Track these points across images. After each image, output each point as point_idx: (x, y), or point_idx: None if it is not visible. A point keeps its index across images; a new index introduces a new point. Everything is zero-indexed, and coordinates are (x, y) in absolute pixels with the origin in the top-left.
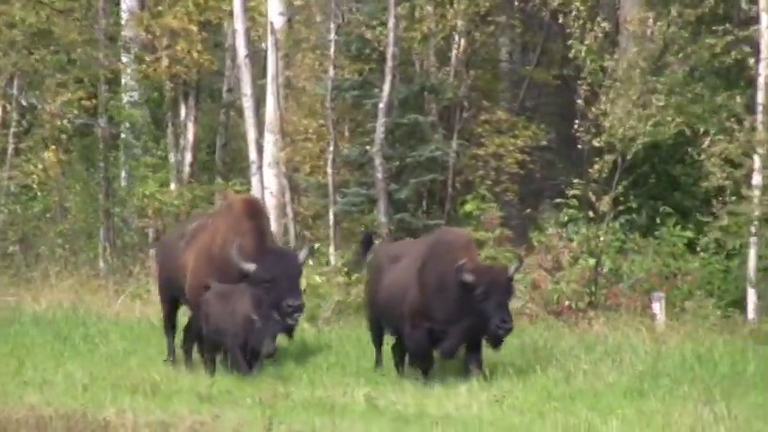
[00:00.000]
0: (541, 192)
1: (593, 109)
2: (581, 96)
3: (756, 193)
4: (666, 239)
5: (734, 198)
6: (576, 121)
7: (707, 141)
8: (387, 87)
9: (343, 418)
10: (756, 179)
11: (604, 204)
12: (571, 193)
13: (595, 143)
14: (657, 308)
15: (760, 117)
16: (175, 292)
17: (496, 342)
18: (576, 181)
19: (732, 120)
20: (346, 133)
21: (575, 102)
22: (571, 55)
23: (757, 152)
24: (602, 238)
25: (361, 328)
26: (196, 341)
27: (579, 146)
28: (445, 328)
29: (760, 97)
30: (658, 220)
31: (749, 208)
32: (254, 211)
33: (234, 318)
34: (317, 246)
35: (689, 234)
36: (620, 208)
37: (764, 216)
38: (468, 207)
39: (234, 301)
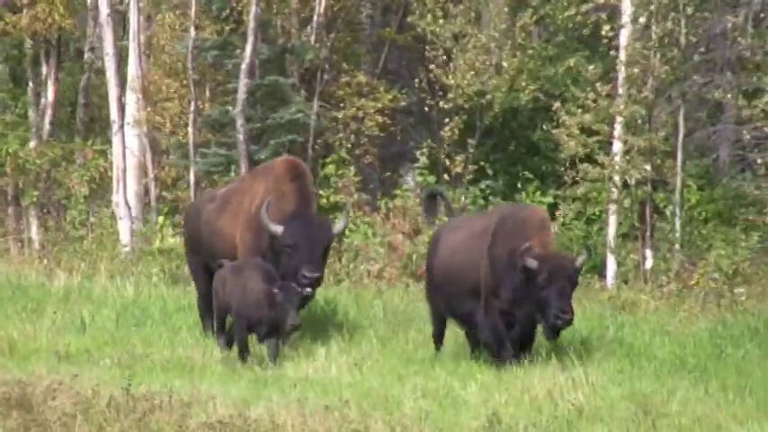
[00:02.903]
0: (402, 155)
1: (432, 67)
2: (431, 60)
3: (617, 159)
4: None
5: (586, 165)
6: (416, 81)
7: (562, 114)
8: (248, 48)
9: (203, 379)
10: (617, 146)
11: (457, 166)
12: (419, 153)
13: (442, 105)
14: None
15: (621, 89)
16: (208, 260)
17: (553, 332)
18: (426, 143)
19: (588, 89)
20: (207, 93)
21: (422, 65)
22: (414, 19)
23: (617, 120)
24: (461, 202)
25: None
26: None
27: (426, 108)
28: (514, 311)
29: (622, 68)
30: (519, 185)
31: (600, 173)
32: (296, 172)
33: (245, 294)
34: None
35: (549, 200)
36: (475, 167)
37: (625, 182)
38: (328, 170)
39: (245, 277)
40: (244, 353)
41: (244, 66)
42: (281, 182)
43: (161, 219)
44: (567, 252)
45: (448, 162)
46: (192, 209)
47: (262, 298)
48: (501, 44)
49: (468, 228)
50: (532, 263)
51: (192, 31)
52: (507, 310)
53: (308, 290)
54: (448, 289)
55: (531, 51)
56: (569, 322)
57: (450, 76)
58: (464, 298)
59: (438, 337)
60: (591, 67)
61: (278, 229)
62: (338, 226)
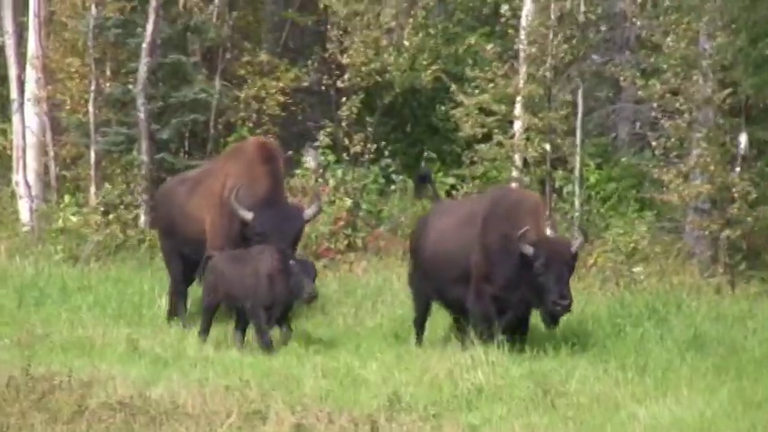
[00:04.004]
0: (303, 134)
1: (329, 46)
2: (329, 39)
3: (516, 139)
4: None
5: (484, 145)
6: (309, 62)
7: (459, 95)
8: (150, 26)
9: (103, 359)
10: (516, 125)
11: (356, 145)
12: (322, 134)
13: (339, 84)
14: None
15: (523, 67)
16: (180, 244)
17: (552, 319)
18: (327, 123)
19: (487, 69)
20: (108, 72)
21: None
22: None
23: (517, 99)
24: (362, 181)
25: (121, 268)
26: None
27: (323, 87)
28: (507, 296)
29: (521, 46)
30: (422, 165)
31: (499, 153)
32: (268, 154)
33: (258, 279)
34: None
35: (450, 180)
36: (374, 147)
37: (524, 161)
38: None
39: (255, 263)
40: (268, 338)
41: (145, 44)
42: (252, 165)
43: (66, 198)
44: (562, 236)
45: (347, 141)
46: (164, 191)
47: (277, 279)
48: (402, 22)
49: (457, 212)
50: (528, 249)
51: (93, 9)
52: (501, 296)
53: None
54: (437, 274)
55: (432, 31)
56: (568, 308)
57: (345, 56)
58: (454, 283)
59: (420, 325)
60: (489, 46)
61: (248, 215)
62: (309, 212)
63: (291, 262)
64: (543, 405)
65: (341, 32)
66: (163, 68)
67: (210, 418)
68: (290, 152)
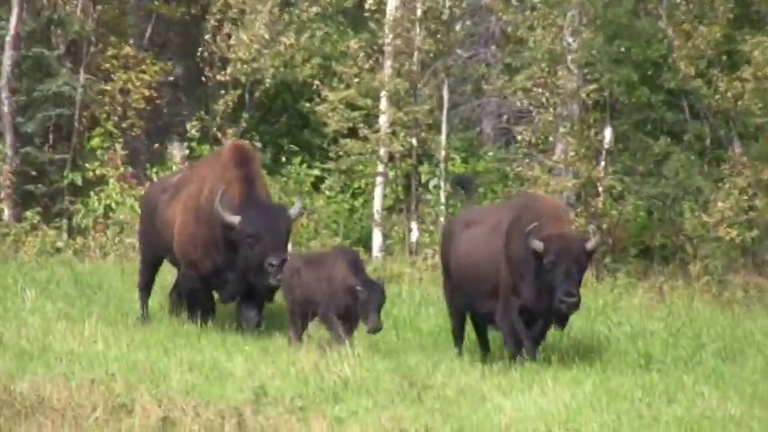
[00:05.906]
0: (169, 128)
1: (216, 41)
2: (209, 31)
3: (383, 132)
4: (293, 177)
5: (348, 140)
6: (199, 55)
7: (324, 90)
8: (13, 20)
9: None
10: (382, 119)
11: (228, 139)
12: (190, 126)
13: (220, 78)
14: None
15: (388, 62)
16: (160, 249)
17: (561, 319)
18: (198, 116)
19: (351, 64)
20: None
21: (203, 37)
22: None
23: (382, 94)
24: None
25: None
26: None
27: (204, 80)
28: (534, 307)
29: (387, 41)
30: (284, 159)
31: (363, 147)
32: (243, 157)
33: (330, 284)
34: None
35: (316, 172)
36: (245, 140)
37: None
38: (95, 142)
39: (329, 268)
40: (341, 340)
41: (9, 37)
42: (227, 168)
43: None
44: (578, 233)
45: (219, 135)
46: (147, 196)
47: (343, 289)
48: (276, 18)
49: (483, 224)
50: (538, 244)
51: None
52: (528, 307)
53: (276, 280)
54: (467, 288)
55: (318, 33)
56: (575, 305)
57: (231, 50)
58: (485, 297)
59: (459, 334)
60: (353, 41)
61: (234, 219)
62: (293, 210)
63: (358, 287)
64: (410, 397)
65: (218, 25)
66: (26, 62)
67: (76, 411)
68: (156, 145)
